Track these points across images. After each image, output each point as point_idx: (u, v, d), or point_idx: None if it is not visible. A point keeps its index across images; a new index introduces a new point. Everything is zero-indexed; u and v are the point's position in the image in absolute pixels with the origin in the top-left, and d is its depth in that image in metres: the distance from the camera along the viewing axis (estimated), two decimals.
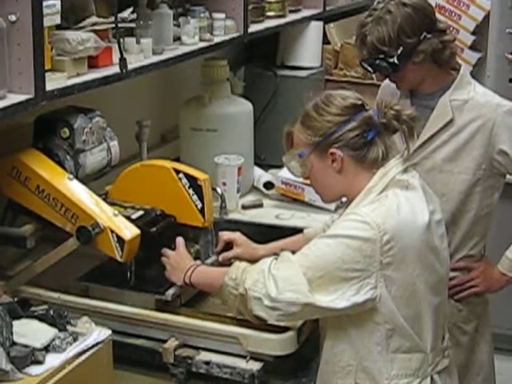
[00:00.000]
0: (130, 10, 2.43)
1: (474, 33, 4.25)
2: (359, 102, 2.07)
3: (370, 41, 2.45)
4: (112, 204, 2.35)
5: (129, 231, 2.22)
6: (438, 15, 2.56)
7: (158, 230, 2.35)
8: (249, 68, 3.74)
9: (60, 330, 1.95)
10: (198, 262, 2.32)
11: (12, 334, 1.87)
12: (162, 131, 3.40)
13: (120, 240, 2.19)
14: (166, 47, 2.62)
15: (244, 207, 3.16)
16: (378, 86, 2.80)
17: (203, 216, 2.40)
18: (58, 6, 2.08)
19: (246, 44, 3.50)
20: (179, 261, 2.28)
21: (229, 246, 2.51)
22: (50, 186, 2.24)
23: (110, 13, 2.38)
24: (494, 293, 2.68)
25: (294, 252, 2.03)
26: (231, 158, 3.10)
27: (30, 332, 1.91)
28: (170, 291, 2.29)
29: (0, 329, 1.83)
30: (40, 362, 1.85)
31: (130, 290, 2.32)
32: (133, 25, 2.46)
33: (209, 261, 2.49)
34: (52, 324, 1.96)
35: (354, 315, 1.98)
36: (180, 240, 2.33)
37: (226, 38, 2.95)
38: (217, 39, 2.89)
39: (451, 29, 3.98)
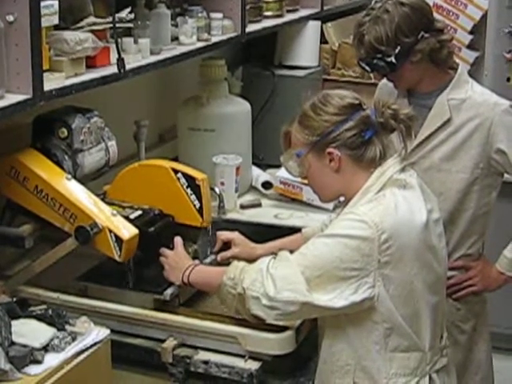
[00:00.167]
0: (128, 10, 2.43)
1: (471, 32, 4.24)
2: (356, 102, 2.07)
3: (367, 40, 2.45)
4: (110, 204, 2.35)
5: (127, 231, 2.22)
6: (435, 14, 2.57)
7: (157, 230, 2.35)
8: (247, 68, 3.74)
9: (59, 330, 1.95)
10: (197, 261, 2.32)
11: (11, 333, 1.87)
12: (160, 131, 3.40)
13: (118, 240, 2.20)
14: (163, 47, 2.62)
15: (242, 207, 3.16)
16: (376, 85, 2.79)
17: (201, 216, 2.40)
18: (56, 7, 2.08)
19: (243, 44, 3.50)
20: (177, 260, 2.28)
21: (227, 245, 2.51)
22: (49, 186, 2.24)
23: (107, 13, 2.38)
24: (492, 292, 2.68)
25: (292, 251, 2.03)
26: (229, 158, 3.10)
27: (29, 332, 1.91)
28: (169, 291, 2.29)
29: None
30: (39, 362, 1.86)
31: (128, 289, 2.33)
32: (131, 25, 2.46)
33: (207, 260, 2.49)
34: (51, 324, 1.96)
35: (352, 314, 1.98)
36: (178, 239, 2.33)
37: (224, 37, 2.95)
38: (214, 39, 2.90)
39: (449, 28, 3.98)
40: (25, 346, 1.86)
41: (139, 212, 2.36)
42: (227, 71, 3.30)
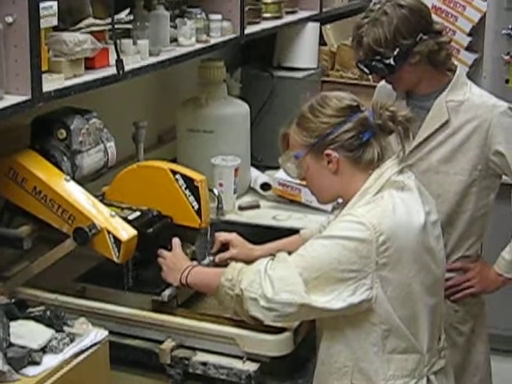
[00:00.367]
0: (127, 11, 2.44)
1: (470, 34, 4.25)
2: (354, 104, 2.08)
3: (366, 42, 2.45)
4: (109, 205, 2.35)
5: (125, 232, 2.22)
6: (434, 16, 2.57)
7: (155, 231, 2.35)
8: (245, 69, 3.75)
9: (57, 331, 1.95)
10: (195, 262, 2.32)
11: (9, 335, 1.87)
12: (158, 132, 3.40)
13: (117, 241, 2.20)
14: (162, 48, 2.62)
15: (241, 208, 3.16)
16: (374, 87, 2.80)
17: (200, 217, 2.40)
18: (55, 8, 2.09)
19: (242, 45, 3.50)
20: (175, 261, 2.28)
21: (225, 246, 2.51)
22: (47, 187, 2.24)
23: (106, 14, 2.38)
24: (490, 293, 2.68)
25: (290, 253, 2.03)
26: (228, 159, 3.10)
27: (27, 333, 1.91)
28: (167, 292, 2.29)
29: None
30: (37, 363, 1.86)
31: (126, 290, 2.33)
32: (129, 26, 2.47)
33: (205, 262, 2.49)
34: (49, 325, 1.96)
35: (350, 316, 1.98)
36: (176, 241, 2.33)
37: (223, 39, 2.95)
38: (213, 40, 2.90)
39: (447, 30, 3.99)
40: (23, 347, 1.86)
41: (138, 213, 2.37)
42: (226, 73, 3.30)
